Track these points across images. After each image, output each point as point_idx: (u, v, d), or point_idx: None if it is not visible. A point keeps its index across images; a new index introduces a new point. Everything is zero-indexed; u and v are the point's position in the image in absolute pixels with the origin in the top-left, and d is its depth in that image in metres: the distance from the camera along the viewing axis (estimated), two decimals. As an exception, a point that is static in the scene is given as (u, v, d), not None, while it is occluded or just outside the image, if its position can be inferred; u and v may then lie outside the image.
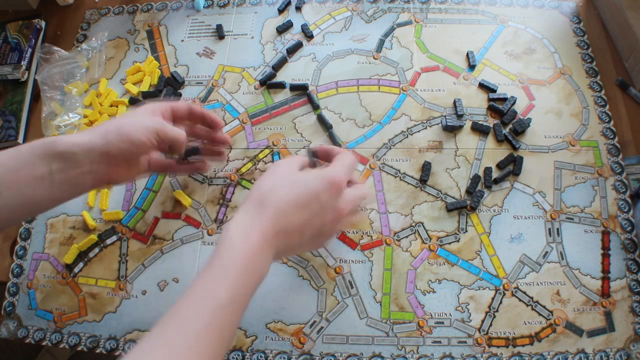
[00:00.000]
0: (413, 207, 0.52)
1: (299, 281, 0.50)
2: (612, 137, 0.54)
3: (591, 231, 0.50)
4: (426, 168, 0.53)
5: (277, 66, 0.60)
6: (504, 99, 0.56)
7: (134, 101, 0.60)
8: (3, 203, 0.39)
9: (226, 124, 0.58)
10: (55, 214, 0.55)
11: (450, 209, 0.51)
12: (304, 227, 0.39)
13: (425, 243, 0.51)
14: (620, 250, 0.49)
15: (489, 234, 0.51)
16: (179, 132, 0.46)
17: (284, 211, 0.38)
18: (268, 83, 0.59)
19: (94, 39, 0.65)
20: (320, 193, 0.39)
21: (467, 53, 0.60)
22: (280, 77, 0.60)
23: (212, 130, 0.53)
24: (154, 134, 0.43)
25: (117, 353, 0.49)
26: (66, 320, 0.51)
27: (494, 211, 0.52)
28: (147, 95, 0.60)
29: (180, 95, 0.60)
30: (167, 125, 0.45)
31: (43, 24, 0.68)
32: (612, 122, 0.55)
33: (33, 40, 0.66)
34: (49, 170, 0.40)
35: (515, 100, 0.56)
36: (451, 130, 0.55)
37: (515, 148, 0.54)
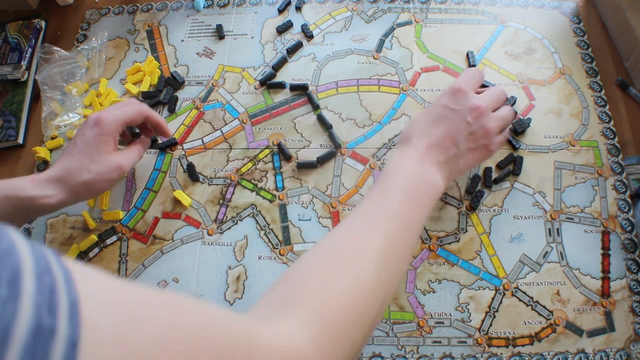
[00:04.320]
0: (413, 207, 0.52)
1: (299, 281, 0.50)
2: (612, 137, 0.54)
3: (591, 231, 0.50)
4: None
5: (277, 66, 0.60)
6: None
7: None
8: None
9: (226, 124, 0.58)
10: (56, 214, 0.55)
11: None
12: (451, 134, 0.43)
13: (425, 243, 0.51)
14: (620, 250, 0.49)
15: (489, 234, 0.51)
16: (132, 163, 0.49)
17: (424, 129, 0.44)
18: (268, 83, 0.59)
19: (94, 39, 0.65)
20: (446, 102, 0.45)
21: (467, 53, 0.60)
22: (280, 77, 0.60)
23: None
24: (118, 176, 0.47)
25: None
26: (66, 320, 0.51)
27: (494, 211, 0.52)
28: (147, 96, 0.60)
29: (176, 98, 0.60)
30: (128, 167, 0.48)
31: (43, 24, 0.68)
32: (612, 122, 0.55)
33: (33, 40, 0.65)
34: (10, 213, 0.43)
35: (515, 100, 0.56)
36: (451, 130, 0.55)
37: (515, 148, 0.54)
